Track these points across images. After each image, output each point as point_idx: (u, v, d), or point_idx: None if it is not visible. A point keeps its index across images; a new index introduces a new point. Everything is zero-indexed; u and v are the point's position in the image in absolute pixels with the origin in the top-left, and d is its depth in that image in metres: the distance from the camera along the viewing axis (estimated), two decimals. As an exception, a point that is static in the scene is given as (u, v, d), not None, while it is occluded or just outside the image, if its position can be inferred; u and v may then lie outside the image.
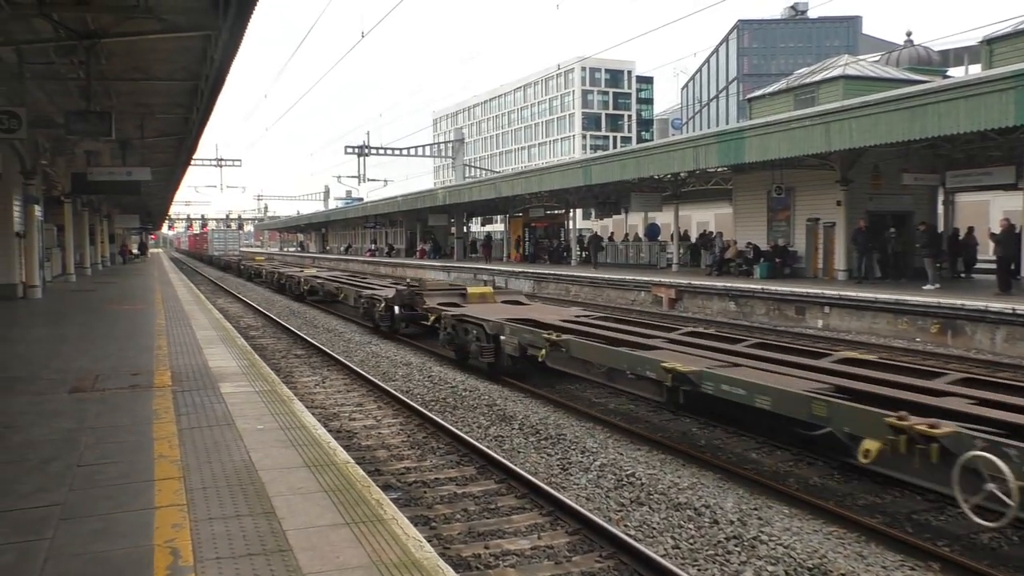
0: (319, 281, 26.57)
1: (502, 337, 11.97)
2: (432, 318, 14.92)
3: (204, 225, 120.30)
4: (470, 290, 16.99)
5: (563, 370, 12.29)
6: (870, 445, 5.98)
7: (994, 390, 7.22)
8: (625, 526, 6.32)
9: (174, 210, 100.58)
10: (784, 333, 17.48)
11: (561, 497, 6.65)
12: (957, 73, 37.23)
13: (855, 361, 8.75)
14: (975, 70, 34.05)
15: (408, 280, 23.63)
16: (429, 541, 4.62)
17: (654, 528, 6.30)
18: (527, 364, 11.96)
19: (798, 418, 6.93)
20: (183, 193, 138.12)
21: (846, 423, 6.42)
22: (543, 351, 10.73)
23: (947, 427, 5.66)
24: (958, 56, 44.46)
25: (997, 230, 19.21)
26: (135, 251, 69.20)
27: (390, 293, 18.29)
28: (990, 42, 24.12)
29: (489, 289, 17.88)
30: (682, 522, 6.41)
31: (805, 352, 9.52)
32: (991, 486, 5.23)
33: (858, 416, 6.31)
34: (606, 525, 6.02)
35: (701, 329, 11.98)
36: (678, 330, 11.65)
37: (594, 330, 11.49)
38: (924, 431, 5.64)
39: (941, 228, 24.98)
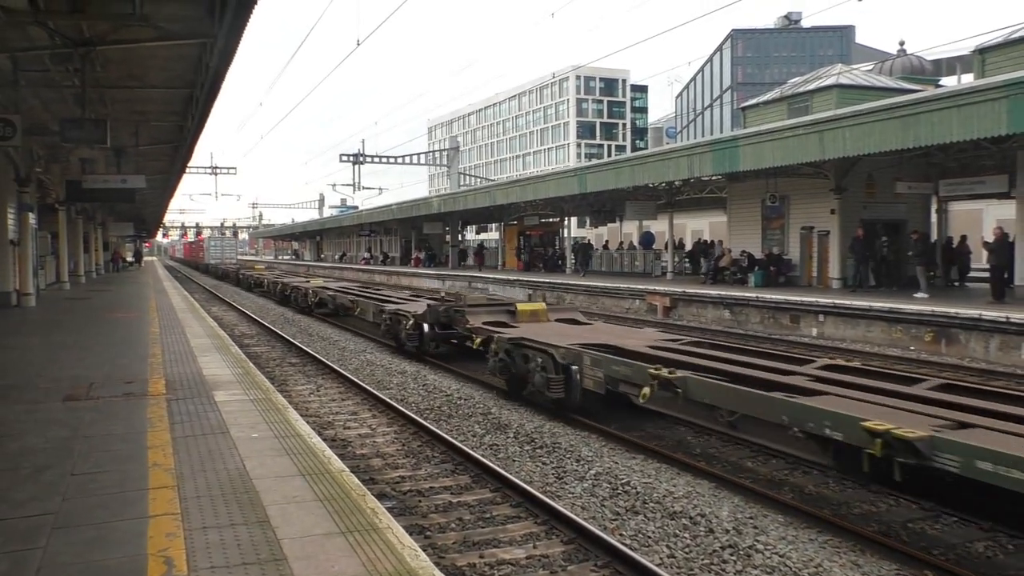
0: (329, 293, 24.36)
1: (575, 367, 9.98)
2: (478, 340, 12.92)
3: (199, 233, 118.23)
4: (520, 306, 14.85)
5: (667, 413, 10.19)
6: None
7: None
8: (620, 535, 6.31)
9: (168, 218, 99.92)
10: (779, 341, 17.50)
11: (556, 506, 6.64)
12: (950, 82, 37.38)
13: None
14: (968, 79, 34.21)
15: (443, 294, 21.49)
16: (424, 550, 4.61)
17: (649, 537, 6.30)
18: (606, 401, 10.27)
19: None
20: (178, 201, 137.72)
21: None
22: (646, 390, 8.45)
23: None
24: (951, 65, 44.66)
25: (990, 239, 19.27)
26: (130, 259, 69.11)
27: (419, 308, 16.05)
28: (982, 52, 24.20)
29: (541, 305, 15.61)
30: (677, 531, 6.40)
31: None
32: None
33: None
34: (601, 534, 6.02)
35: (840, 361, 9.26)
36: (812, 362, 9.27)
37: (701, 360, 9.27)
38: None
39: (934, 237, 25.07)
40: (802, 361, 9.45)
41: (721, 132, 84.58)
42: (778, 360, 9.58)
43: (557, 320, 14.39)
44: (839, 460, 7.30)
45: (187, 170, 34.14)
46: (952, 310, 16.11)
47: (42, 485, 5.36)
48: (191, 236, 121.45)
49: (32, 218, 21.97)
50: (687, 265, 34.13)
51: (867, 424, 6.00)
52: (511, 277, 35.00)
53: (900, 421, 6.11)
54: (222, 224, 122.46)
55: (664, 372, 8.33)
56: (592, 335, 11.95)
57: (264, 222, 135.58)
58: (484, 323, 13.55)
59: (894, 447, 5.77)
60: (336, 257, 78.57)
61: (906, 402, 6.96)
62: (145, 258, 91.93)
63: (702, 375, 8.34)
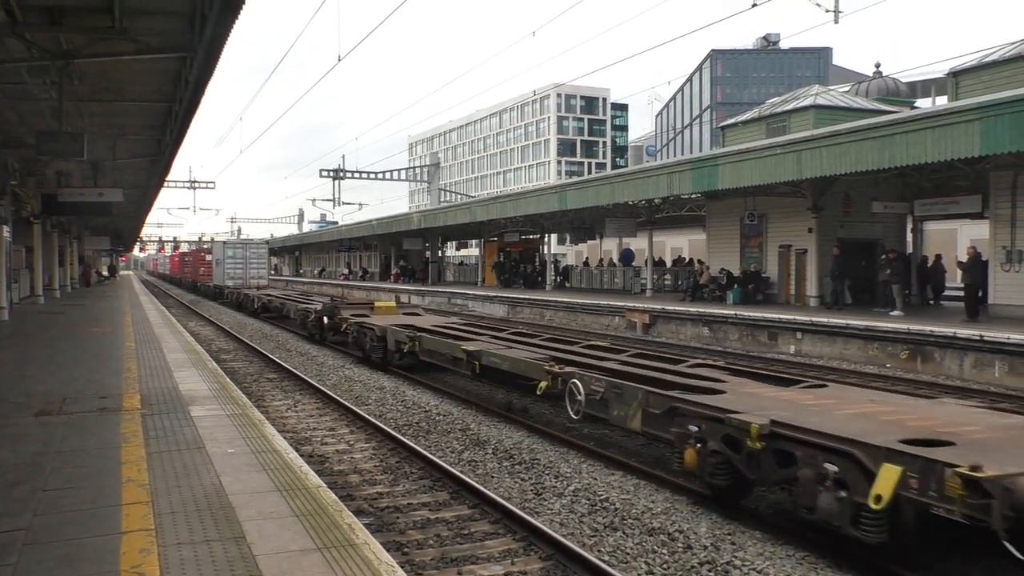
0: None
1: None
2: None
3: (176, 247, 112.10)
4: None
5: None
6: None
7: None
8: (599, 551, 6.29)
9: (146, 232, 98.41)
10: (757, 359, 17.59)
11: (535, 522, 6.62)
12: (924, 104, 37.93)
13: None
14: (942, 101, 34.72)
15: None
16: (402, 567, 4.57)
17: (628, 553, 6.29)
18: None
19: None
20: (155, 215, 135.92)
21: None
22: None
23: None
24: (925, 88, 45.31)
25: (964, 258, 19.50)
26: (105, 273, 68.46)
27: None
28: (956, 74, 24.58)
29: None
30: (656, 547, 6.40)
31: None
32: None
33: None
34: (580, 550, 6.00)
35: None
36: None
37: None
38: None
39: (909, 255, 25.31)
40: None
41: (700, 151, 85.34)
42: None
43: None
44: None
45: (165, 184, 33.97)
46: (927, 328, 16.27)
47: (13, 501, 5.27)
48: (169, 250, 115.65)
49: (6, 231, 21.71)
50: (667, 282, 34.34)
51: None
52: (491, 293, 34.99)
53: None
54: (200, 239, 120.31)
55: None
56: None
57: (242, 237, 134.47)
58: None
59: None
60: (315, 272, 78.21)
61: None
62: (122, 272, 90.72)
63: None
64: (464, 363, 12.50)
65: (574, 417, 9.29)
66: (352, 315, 18.81)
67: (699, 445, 7.00)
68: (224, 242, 52.47)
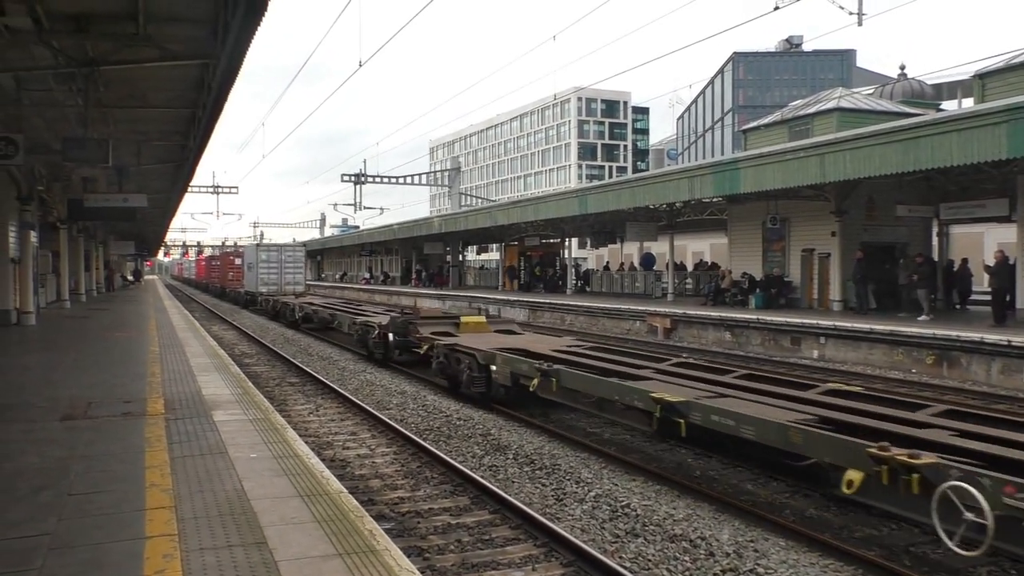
0: None
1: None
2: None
3: (200, 252, 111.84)
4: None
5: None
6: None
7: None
8: (620, 558, 6.26)
9: (170, 236, 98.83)
10: (780, 363, 17.46)
11: (556, 528, 6.60)
12: (950, 106, 37.51)
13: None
14: (968, 104, 34.34)
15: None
16: (422, 572, 4.58)
17: (649, 560, 6.25)
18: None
19: None
20: (179, 220, 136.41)
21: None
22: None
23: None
24: (951, 90, 44.80)
25: (991, 262, 19.26)
26: (130, 277, 69.22)
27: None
28: (982, 76, 24.28)
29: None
30: (677, 554, 6.35)
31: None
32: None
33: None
34: (601, 557, 5.97)
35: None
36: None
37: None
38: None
39: (935, 259, 25.03)
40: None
41: (722, 154, 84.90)
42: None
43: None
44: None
45: (189, 189, 34.23)
46: (954, 333, 16.08)
47: (38, 505, 5.31)
48: (193, 255, 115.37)
49: (34, 236, 21.99)
50: (688, 286, 34.22)
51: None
52: (511, 297, 35.00)
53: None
54: (223, 243, 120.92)
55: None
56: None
57: (265, 241, 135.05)
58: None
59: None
60: (337, 277, 78.61)
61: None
62: (146, 277, 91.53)
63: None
64: (655, 420, 8.60)
65: (961, 553, 5.33)
66: (433, 333, 15.23)
67: None
68: (257, 245, 48.25)
